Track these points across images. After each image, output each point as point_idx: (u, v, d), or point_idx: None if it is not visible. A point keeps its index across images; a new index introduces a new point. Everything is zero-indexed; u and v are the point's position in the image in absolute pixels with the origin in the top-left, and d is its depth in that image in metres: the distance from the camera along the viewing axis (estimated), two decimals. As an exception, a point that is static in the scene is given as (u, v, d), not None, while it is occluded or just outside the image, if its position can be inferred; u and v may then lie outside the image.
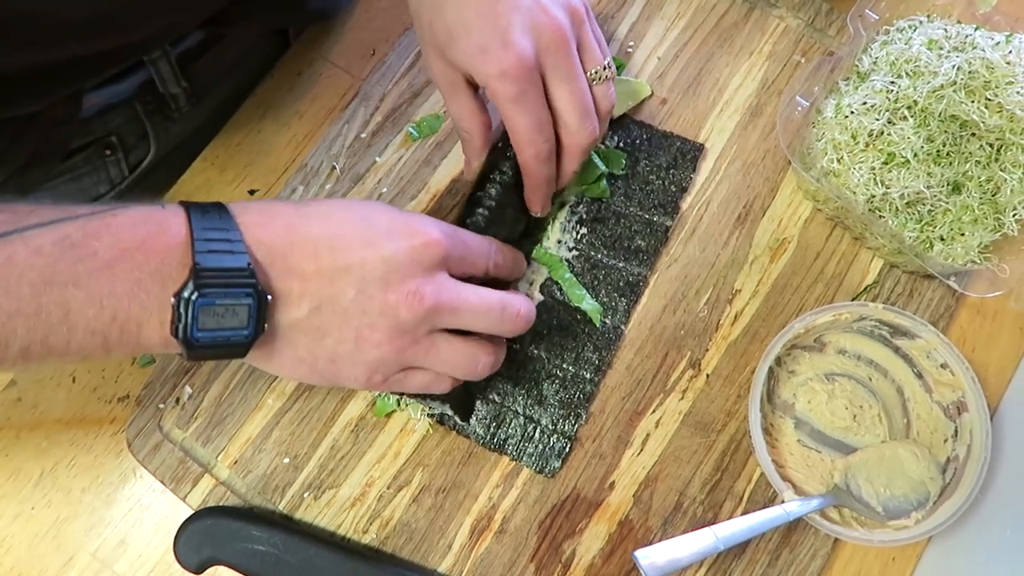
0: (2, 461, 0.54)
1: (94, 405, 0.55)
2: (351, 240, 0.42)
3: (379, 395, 0.52)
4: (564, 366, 0.53)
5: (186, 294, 0.37)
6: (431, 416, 0.53)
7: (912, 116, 0.51)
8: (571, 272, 0.55)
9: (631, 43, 0.61)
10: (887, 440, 0.52)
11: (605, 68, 0.50)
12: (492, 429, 0.52)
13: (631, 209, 0.57)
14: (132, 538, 0.53)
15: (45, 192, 0.60)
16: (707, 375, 0.54)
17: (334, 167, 0.58)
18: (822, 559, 0.50)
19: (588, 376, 0.53)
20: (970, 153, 0.51)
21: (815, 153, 0.53)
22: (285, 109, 0.62)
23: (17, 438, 0.55)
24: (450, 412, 0.52)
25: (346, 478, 0.52)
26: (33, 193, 0.60)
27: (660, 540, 0.50)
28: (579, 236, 0.56)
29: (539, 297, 0.55)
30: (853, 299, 0.55)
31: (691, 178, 0.58)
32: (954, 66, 0.50)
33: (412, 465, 0.52)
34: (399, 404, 0.52)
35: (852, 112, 0.52)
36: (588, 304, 0.54)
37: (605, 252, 0.56)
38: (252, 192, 0.59)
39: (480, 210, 0.51)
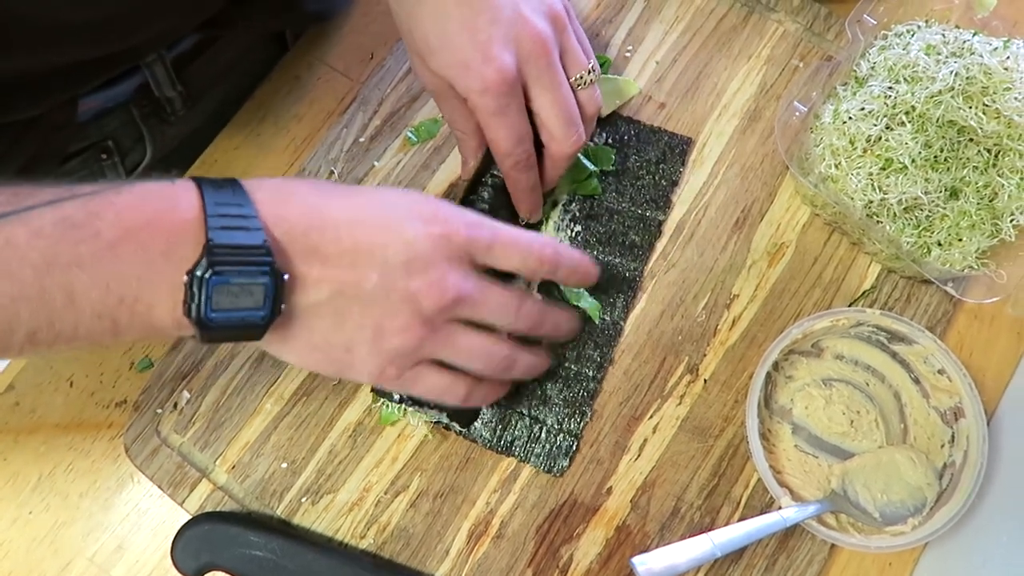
0: (0, 465, 0.54)
1: (92, 410, 0.55)
2: (373, 223, 0.40)
3: (383, 403, 0.52)
4: (566, 364, 0.53)
5: (199, 272, 0.35)
6: (436, 424, 0.53)
7: (910, 122, 0.51)
8: None
9: (629, 47, 0.61)
10: (884, 445, 0.52)
11: (589, 72, 0.50)
12: (498, 432, 0.52)
13: (623, 205, 0.57)
14: (130, 543, 0.53)
15: None
16: (705, 380, 0.54)
17: (332, 171, 0.58)
18: (819, 564, 0.50)
19: (591, 373, 0.53)
20: (968, 159, 0.51)
21: (813, 158, 0.53)
22: (283, 113, 0.62)
23: (15, 442, 0.55)
24: (446, 420, 0.52)
25: (344, 483, 0.52)
26: None
27: (657, 545, 0.51)
28: (573, 234, 0.56)
29: (537, 297, 0.55)
30: (851, 304, 0.55)
31: (681, 171, 0.58)
32: (952, 72, 0.50)
33: (410, 470, 0.52)
34: (401, 412, 0.52)
35: (850, 117, 0.52)
36: (586, 302, 0.54)
37: (600, 249, 0.56)
38: (250, 196, 0.59)
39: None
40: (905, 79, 0.51)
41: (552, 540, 0.51)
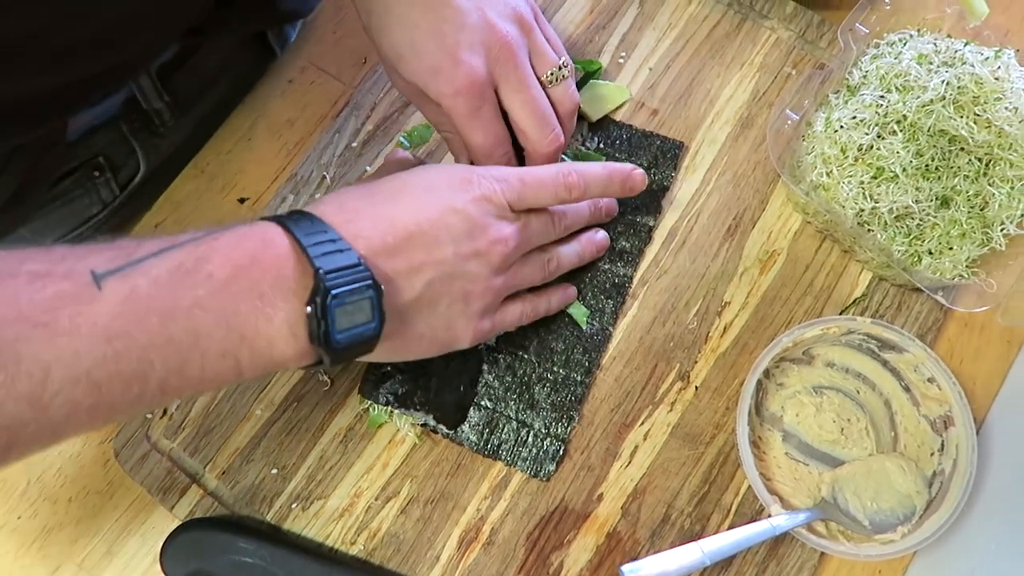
0: (-12, 470, 0.54)
1: (81, 414, 0.55)
2: (428, 209, 0.43)
3: (371, 406, 0.52)
4: (555, 369, 0.53)
5: (319, 299, 0.36)
6: (423, 427, 0.53)
7: (901, 131, 0.51)
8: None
9: (623, 53, 0.61)
10: (874, 453, 0.53)
11: (561, 68, 0.51)
12: (485, 435, 0.52)
13: None
14: (118, 549, 0.53)
15: (38, 220, 0.60)
16: (696, 387, 0.54)
17: (324, 176, 0.58)
18: (808, 572, 0.50)
19: (579, 378, 0.53)
20: (959, 168, 0.52)
21: (805, 166, 0.54)
22: (276, 117, 0.61)
23: (4, 447, 0.54)
24: (433, 423, 0.52)
25: (334, 489, 0.52)
26: (28, 222, 0.59)
27: (648, 552, 0.51)
28: None
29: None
30: (842, 312, 0.55)
31: (672, 176, 0.58)
32: (943, 81, 0.50)
33: (400, 476, 0.52)
34: (388, 415, 0.52)
35: (842, 126, 0.52)
36: (574, 309, 0.54)
37: None
38: (242, 200, 0.59)
39: None
40: (897, 88, 0.52)
41: (543, 547, 0.51)
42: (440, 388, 0.52)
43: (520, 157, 0.53)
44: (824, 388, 0.54)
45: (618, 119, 0.59)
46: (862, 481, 0.51)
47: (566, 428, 0.52)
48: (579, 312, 0.54)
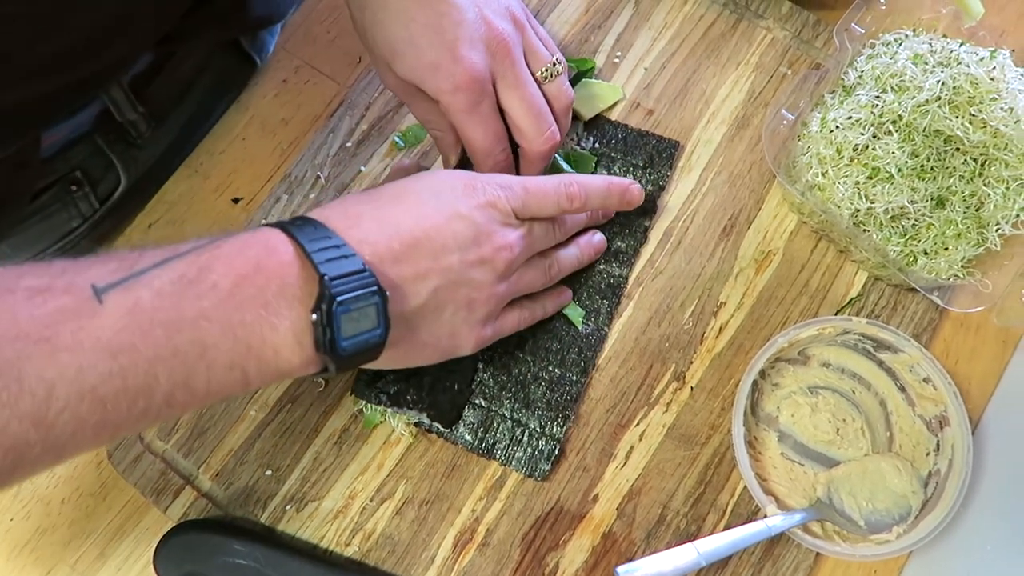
0: (-19, 471, 0.54)
1: (74, 415, 0.55)
2: (434, 215, 0.43)
3: (366, 406, 0.52)
4: (550, 368, 0.53)
5: (324, 306, 0.36)
6: (417, 426, 0.52)
7: (897, 131, 0.51)
8: None
9: (618, 53, 0.61)
10: (870, 453, 0.53)
11: (554, 64, 0.51)
12: (480, 434, 0.52)
13: None
14: (112, 551, 0.52)
15: (16, 235, 0.59)
16: (691, 388, 0.54)
17: (319, 176, 0.58)
18: (804, 573, 0.50)
19: (574, 378, 0.53)
20: (954, 168, 0.52)
21: (800, 167, 0.53)
22: (270, 116, 0.61)
23: (-4, 448, 0.54)
24: (427, 421, 0.52)
25: (329, 490, 0.52)
26: (5, 238, 0.58)
27: (643, 553, 0.51)
28: None
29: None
30: (837, 312, 0.55)
31: (668, 176, 0.58)
32: (939, 81, 0.50)
33: (395, 477, 0.52)
34: (383, 415, 0.52)
35: (837, 126, 0.52)
36: (570, 309, 0.54)
37: None
38: (236, 200, 0.59)
39: None
40: (892, 88, 0.52)
41: (538, 548, 0.51)
42: (433, 386, 0.51)
43: (514, 156, 0.53)
44: (820, 388, 0.54)
45: (613, 119, 0.59)
46: (858, 481, 0.51)
47: (561, 427, 0.52)
48: (575, 312, 0.54)
